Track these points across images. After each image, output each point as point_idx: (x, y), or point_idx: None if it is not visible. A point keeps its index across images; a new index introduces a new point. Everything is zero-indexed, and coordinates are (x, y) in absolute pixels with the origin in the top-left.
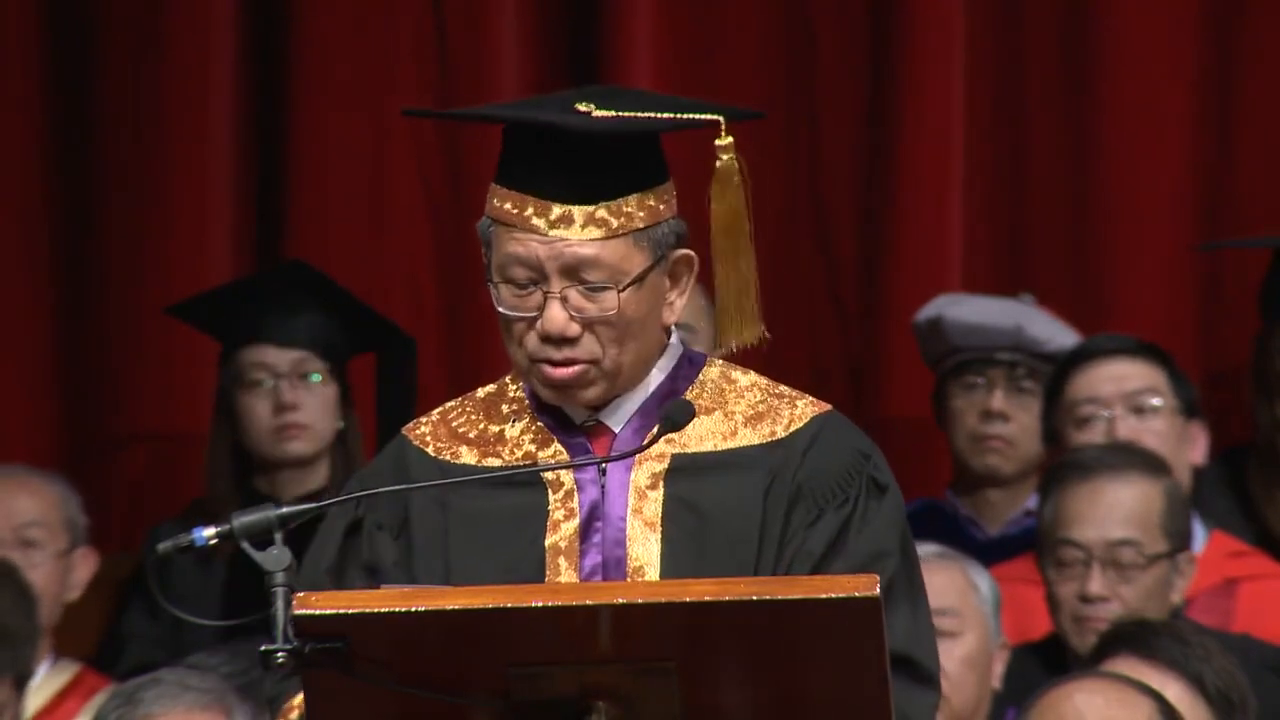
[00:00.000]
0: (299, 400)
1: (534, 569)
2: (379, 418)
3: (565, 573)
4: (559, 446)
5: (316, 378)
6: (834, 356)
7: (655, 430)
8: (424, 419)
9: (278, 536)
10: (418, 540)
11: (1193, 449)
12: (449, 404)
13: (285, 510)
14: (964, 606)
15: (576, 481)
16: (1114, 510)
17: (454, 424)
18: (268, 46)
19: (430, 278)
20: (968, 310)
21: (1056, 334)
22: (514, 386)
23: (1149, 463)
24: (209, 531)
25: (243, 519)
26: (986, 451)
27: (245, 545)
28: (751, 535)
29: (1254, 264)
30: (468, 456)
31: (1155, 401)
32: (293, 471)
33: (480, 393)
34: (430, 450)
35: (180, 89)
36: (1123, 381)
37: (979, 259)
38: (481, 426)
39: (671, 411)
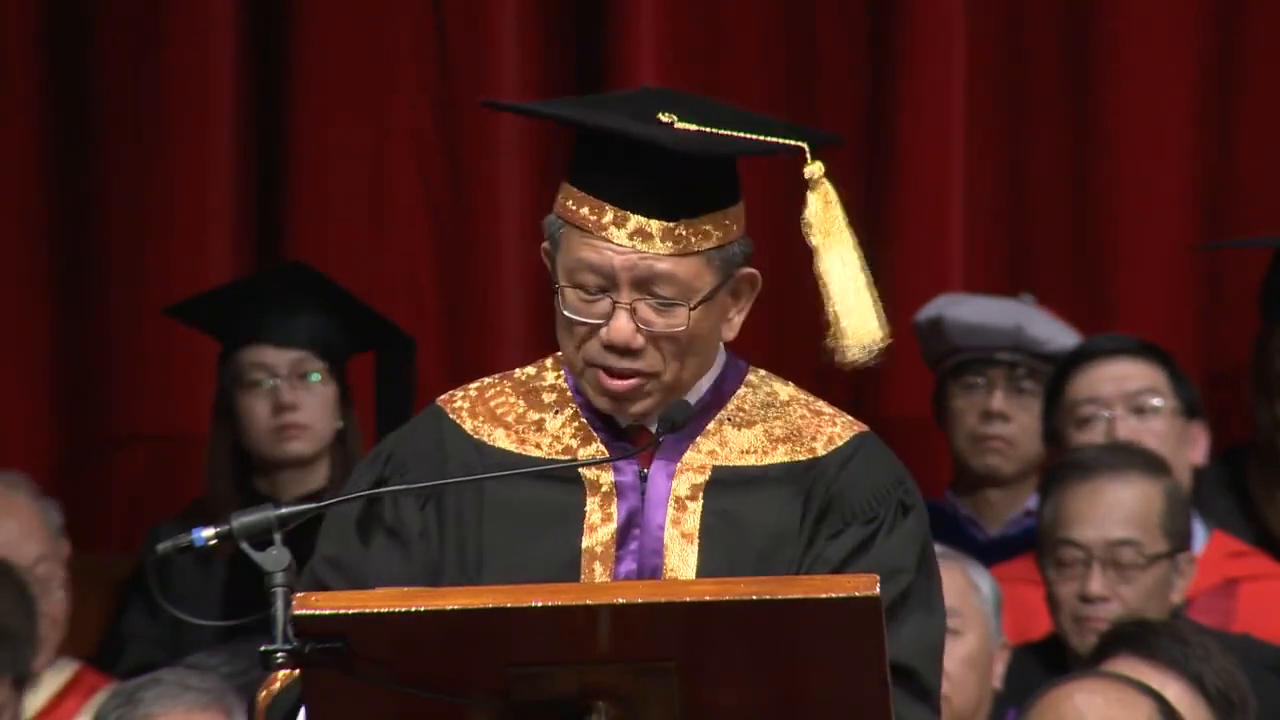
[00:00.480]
0: (298, 400)
1: (569, 570)
2: (378, 417)
3: (600, 577)
4: (600, 446)
5: (316, 377)
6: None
7: (655, 431)
8: (460, 392)
9: (277, 537)
10: (448, 519)
11: (1193, 449)
12: (486, 380)
13: (284, 510)
14: (965, 607)
15: (616, 486)
16: (1114, 510)
17: (492, 403)
18: (268, 47)
19: (430, 278)
20: (968, 310)
21: (1057, 334)
22: (554, 373)
23: (1149, 463)
24: (208, 532)
25: (242, 519)
26: (986, 451)
27: (245, 546)
28: (787, 552)
29: (1255, 264)
30: (504, 441)
31: (1155, 402)
32: (293, 471)
33: (519, 374)
34: (468, 427)
35: (180, 89)
36: (1123, 382)
37: (979, 259)
38: (520, 410)
39: (670, 412)
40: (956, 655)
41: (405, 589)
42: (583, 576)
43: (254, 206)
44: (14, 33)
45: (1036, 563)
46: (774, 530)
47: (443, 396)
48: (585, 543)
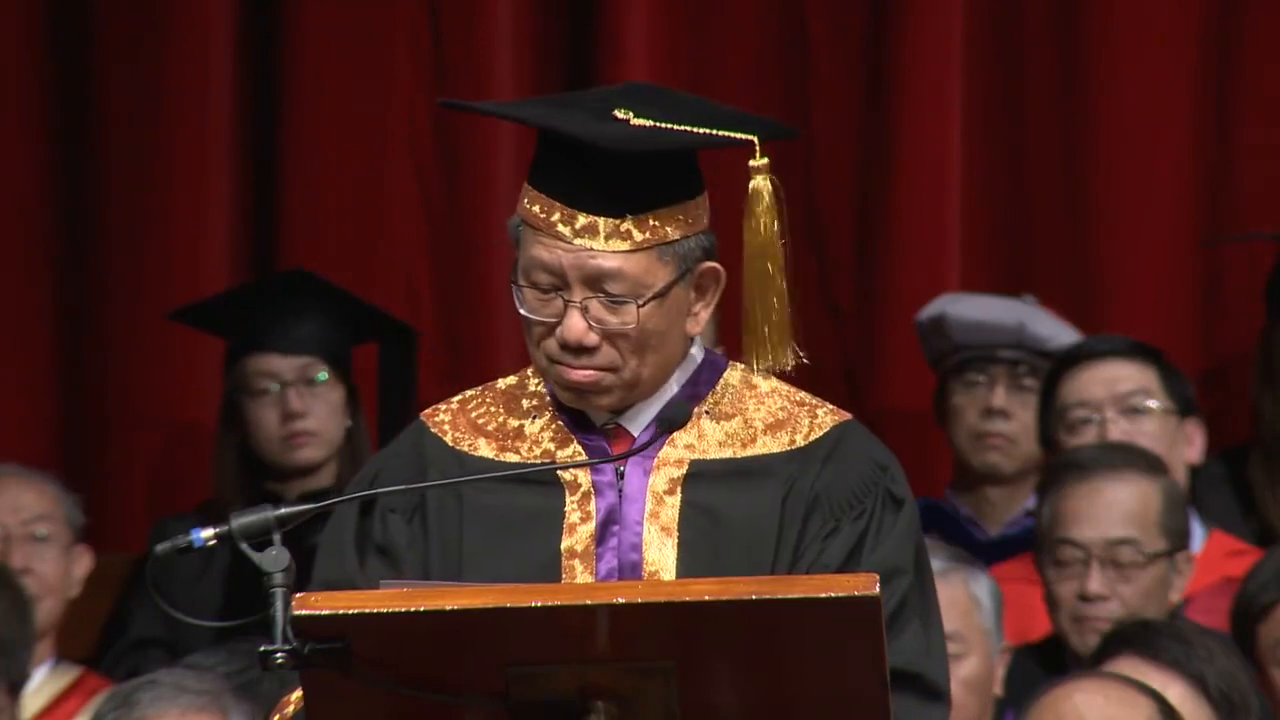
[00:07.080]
0: (306, 407)
1: (549, 570)
2: (380, 410)
3: (580, 575)
4: (578, 447)
5: (323, 377)
6: (829, 356)
7: (653, 431)
8: (443, 405)
9: (276, 537)
10: (432, 529)
11: (1189, 448)
12: (469, 392)
13: (284, 511)
14: (967, 629)
15: (594, 484)
16: (1112, 509)
17: (473, 414)
18: (264, 50)
19: (426, 279)
20: (971, 308)
21: (1059, 332)
22: (534, 381)
23: (1146, 461)
24: (207, 533)
25: (241, 520)
26: (987, 449)
27: (244, 546)
28: (768, 543)
29: (1253, 262)
30: (485, 449)
31: (1148, 403)
32: (301, 475)
33: (501, 384)
34: (449, 440)
35: (179, 92)
36: (1114, 384)
37: (976, 258)
38: (501, 419)
39: (669, 412)
40: (957, 677)
41: (405, 590)
42: (564, 576)
43: (251, 208)
44: (14, 33)
45: (1035, 562)
46: (754, 521)
47: (426, 410)
48: (565, 542)
